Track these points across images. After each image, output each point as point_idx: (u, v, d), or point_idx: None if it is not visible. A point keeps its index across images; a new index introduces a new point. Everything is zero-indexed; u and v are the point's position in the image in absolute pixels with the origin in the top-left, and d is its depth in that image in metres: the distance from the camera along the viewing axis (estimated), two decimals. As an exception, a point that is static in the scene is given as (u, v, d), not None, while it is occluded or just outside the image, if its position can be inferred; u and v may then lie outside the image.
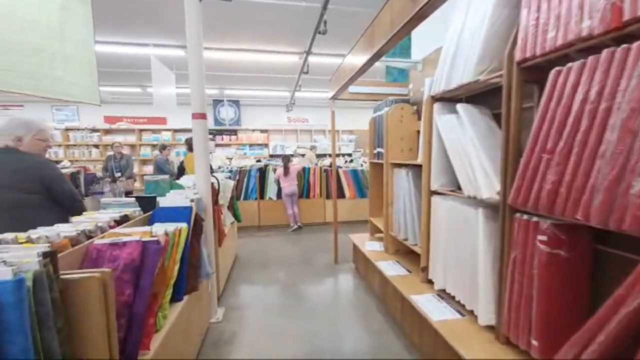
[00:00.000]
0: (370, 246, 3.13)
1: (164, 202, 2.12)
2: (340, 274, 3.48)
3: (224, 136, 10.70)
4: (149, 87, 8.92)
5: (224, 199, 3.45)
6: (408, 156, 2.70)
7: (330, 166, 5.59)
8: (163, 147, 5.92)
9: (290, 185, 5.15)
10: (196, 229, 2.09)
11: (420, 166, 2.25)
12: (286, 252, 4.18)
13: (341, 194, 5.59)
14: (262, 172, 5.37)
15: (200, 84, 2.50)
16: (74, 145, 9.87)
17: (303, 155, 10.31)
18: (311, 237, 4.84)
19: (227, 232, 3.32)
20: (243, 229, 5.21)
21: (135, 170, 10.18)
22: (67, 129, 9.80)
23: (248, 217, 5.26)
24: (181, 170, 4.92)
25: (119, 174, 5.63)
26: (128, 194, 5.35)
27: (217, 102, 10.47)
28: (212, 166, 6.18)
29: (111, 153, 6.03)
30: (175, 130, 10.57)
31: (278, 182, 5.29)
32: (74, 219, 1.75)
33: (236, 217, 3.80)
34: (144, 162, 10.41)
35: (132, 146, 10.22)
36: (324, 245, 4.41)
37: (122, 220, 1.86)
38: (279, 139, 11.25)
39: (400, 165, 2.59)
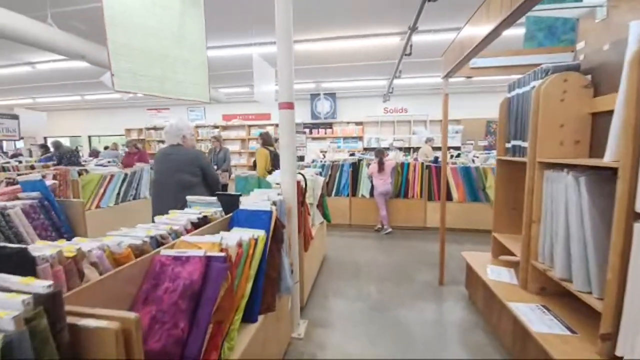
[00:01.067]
0: (495, 273, 2.29)
1: (244, 203, 1.87)
2: (448, 301, 2.73)
3: (320, 130, 10.70)
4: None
5: (313, 197, 3.13)
6: (573, 152, 1.77)
7: (437, 162, 4.72)
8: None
9: (384, 183, 4.54)
10: (276, 237, 1.76)
11: (606, 170, 1.37)
12: (379, 261, 3.63)
13: (448, 196, 4.65)
14: (355, 167, 4.90)
15: (288, 70, 2.16)
16: (201, 139, 11.47)
17: (400, 149, 9.44)
18: (408, 245, 4.15)
19: (315, 234, 3.00)
20: (333, 226, 4.89)
21: (244, 162, 11.16)
22: (197, 126, 11.43)
23: (339, 214, 4.90)
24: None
25: (215, 167, 5.84)
26: (224, 187, 5.64)
27: (314, 96, 10.50)
28: (304, 159, 6.09)
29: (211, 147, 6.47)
30: (277, 125, 11.14)
31: (371, 179, 4.75)
32: (156, 218, 1.63)
33: (326, 216, 3.46)
34: (252, 154, 11.31)
35: (242, 140, 11.28)
36: (424, 258, 3.68)
37: (201, 223, 1.66)
38: (374, 131, 10.60)
39: (557, 166, 1.71)
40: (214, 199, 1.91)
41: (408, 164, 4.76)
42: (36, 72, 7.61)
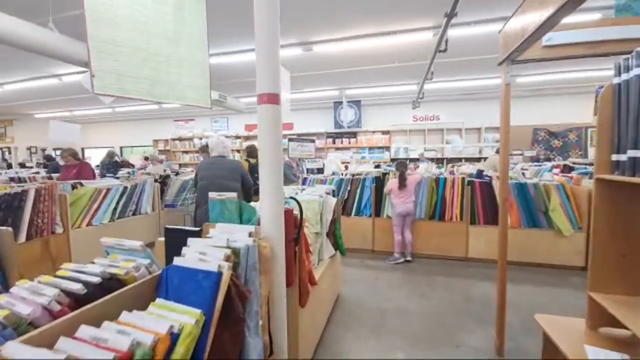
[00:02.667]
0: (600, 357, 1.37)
1: (193, 248, 1.16)
2: (515, 388, 1.80)
3: (344, 139, 9.95)
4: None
5: (322, 224, 2.36)
6: None
7: (482, 176, 3.76)
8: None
9: (405, 202, 3.66)
10: (230, 316, 1.02)
11: None
12: (409, 308, 2.74)
13: (496, 218, 3.66)
14: (380, 182, 4.06)
15: (270, 43, 1.43)
16: (222, 150, 11.17)
17: (432, 160, 8.39)
18: (447, 284, 3.20)
19: (323, 273, 2.21)
20: (352, 252, 4.06)
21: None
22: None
23: (359, 238, 4.06)
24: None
25: None
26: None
27: (337, 105, 9.81)
28: (322, 172, 5.32)
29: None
30: (300, 135, 10.57)
31: (384, 197, 3.89)
32: (13, 289, 0.95)
33: (339, 248, 2.66)
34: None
35: (263, 150, 10.80)
36: (470, 306, 2.73)
37: (90, 297, 0.95)
38: (402, 140, 9.65)
39: None
40: (136, 245, 1.20)
41: (444, 179, 3.83)
42: (63, 85, 7.66)
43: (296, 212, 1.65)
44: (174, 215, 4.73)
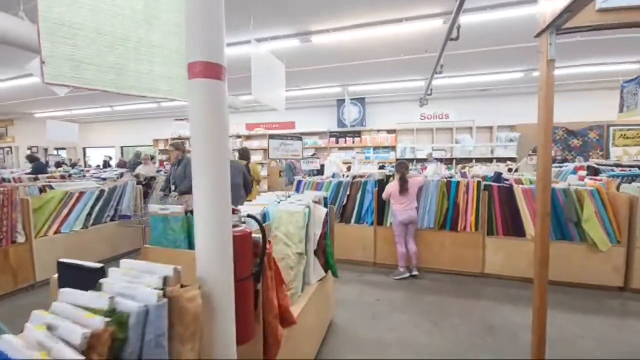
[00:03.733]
0: None
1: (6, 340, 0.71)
2: None
3: (347, 138, 9.46)
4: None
5: (308, 239, 1.90)
6: None
7: (500, 179, 3.25)
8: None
9: (406, 208, 3.17)
10: None
11: None
12: (417, 339, 2.25)
13: (518, 230, 3.14)
14: (383, 186, 3.57)
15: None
16: (222, 149, 10.79)
17: (441, 160, 7.84)
18: (462, 307, 2.70)
19: (305, 307, 1.75)
20: (352, 265, 3.58)
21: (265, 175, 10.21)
22: (218, 136, 10.78)
23: (359, 249, 3.58)
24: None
25: (172, 187, 3.67)
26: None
27: (340, 102, 9.31)
28: (322, 173, 4.82)
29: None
30: (302, 134, 10.11)
31: (388, 202, 3.42)
32: None
33: (330, 269, 2.18)
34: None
35: (265, 150, 10.38)
36: (494, 340, 2.23)
37: None
38: (409, 140, 9.11)
39: None
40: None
41: (457, 183, 3.32)
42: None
43: (257, 235, 1.18)
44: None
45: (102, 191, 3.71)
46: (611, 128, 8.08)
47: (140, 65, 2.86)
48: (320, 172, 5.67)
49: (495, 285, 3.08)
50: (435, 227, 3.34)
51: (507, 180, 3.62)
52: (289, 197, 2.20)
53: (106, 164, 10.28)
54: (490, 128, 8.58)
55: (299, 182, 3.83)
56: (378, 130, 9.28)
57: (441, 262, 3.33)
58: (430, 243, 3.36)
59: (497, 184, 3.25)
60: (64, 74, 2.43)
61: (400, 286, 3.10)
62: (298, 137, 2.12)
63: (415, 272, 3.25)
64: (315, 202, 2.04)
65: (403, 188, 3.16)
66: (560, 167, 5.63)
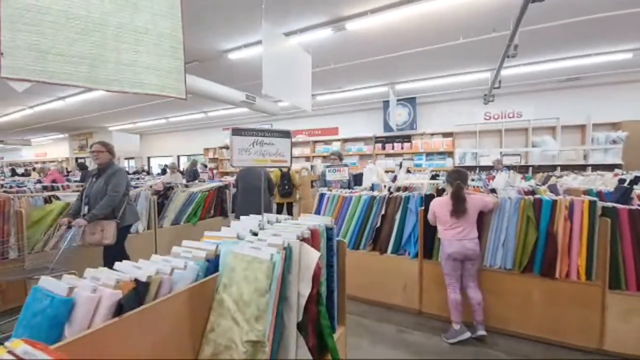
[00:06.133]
0: None
1: None
2: None
3: (395, 144, 8.35)
4: (320, 94, 7.99)
5: (293, 307, 1.07)
6: None
7: (625, 199, 2.01)
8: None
9: (460, 237, 2.10)
10: None
11: None
12: None
13: (669, 284, 1.85)
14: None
15: None
16: (265, 158, 10.54)
17: (513, 168, 6.26)
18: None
19: None
20: (388, 311, 2.61)
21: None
22: (262, 144, 10.57)
23: (397, 289, 2.58)
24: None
25: (86, 208, 2.69)
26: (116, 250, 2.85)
27: (386, 104, 8.28)
28: (350, 186, 3.88)
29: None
30: (345, 140, 9.31)
31: (414, 227, 2.38)
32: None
33: (330, 352, 1.29)
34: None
35: (307, 157, 9.82)
36: None
37: None
38: (469, 144, 7.65)
39: None
40: None
41: (552, 203, 2.14)
42: (123, 96, 7.76)
43: None
44: (180, 230, 3.89)
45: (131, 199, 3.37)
46: None
47: (122, 55, 2.28)
48: (359, 182, 4.77)
49: (629, 375, 1.83)
50: (515, 268, 2.20)
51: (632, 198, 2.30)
52: (270, 226, 1.40)
53: (164, 172, 10.71)
54: (582, 127, 6.69)
55: (321, 196, 3.00)
56: (432, 134, 7.99)
57: (526, 323, 2.17)
58: (506, 292, 2.22)
59: (626, 207, 1.99)
60: (26, 67, 1.87)
61: (459, 354, 2.04)
62: (285, 131, 1.43)
63: (481, 332, 2.15)
64: (304, 238, 1.20)
65: (458, 208, 2.12)
66: None
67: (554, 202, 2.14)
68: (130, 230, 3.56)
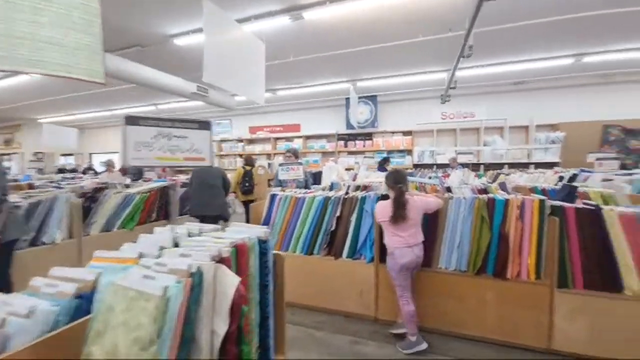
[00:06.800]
0: None
1: None
2: None
3: (357, 142, 8.31)
4: (280, 89, 7.65)
5: (202, 347, 0.81)
6: None
7: (571, 197, 2.02)
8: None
9: (408, 244, 1.97)
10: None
11: None
12: None
13: (610, 280, 1.89)
14: (390, 204, 2.40)
15: None
16: (225, 155, 9.99)
17: (467, 166, 6.50)
18: None
19: None
20: (344, 319, 2.44)
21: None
22: (222, 140, 9.99)
23: (353, 295, 2.42)
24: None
25: None
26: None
27: (349, 101, 8.20)
28: (307, 186, 3.65)
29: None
30: (308, 137, 9.08)
31: (369, 229, 2.27)
32: None
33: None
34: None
35: (268, 155, 9.44)
36: None
37: None
38: (427, 142, 7.84)
39: None
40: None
41: (505, 203, 2.10)
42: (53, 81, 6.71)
43: None
44: (113, 238, 3.37)
45: (15, 207, 2.78)
46: (684, 126, 6.43)
47: (16, 26, 1.84)
48: (317, 181, 4.58)
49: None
50: (469, 270, 2.14)
51: (590, 205, 2.36)
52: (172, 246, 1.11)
53: (87, 170, 9.22)
54: (526, 128, 7.16)
55: (272, 197, 2.74)
56: (392, 132, 8.08)
57: (481, 326, 2.11)
58: (461, 295, 2.15)
59: (573, 206, 2.00)
60: None
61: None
62: (199, 122, 1.21)
63: (421, 342, 2.04)
64: (223, 258, 0.93)
65: (398, 214, 1.95)
66: (631, 174, 4.21)
67: (507, 202, 2.10)
68: (45, 240, 3.01)
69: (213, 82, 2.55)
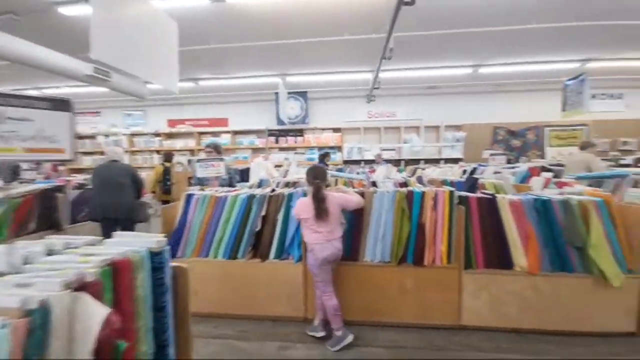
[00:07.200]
0: None
1: None
2: None
3: (288, 138, 8.19)
4: (203, 79, 6.99)
5: None
6: None
7: (473, 188, 2.25)
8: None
9: (327, 238, 1.98)
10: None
11: None
12: None
13: (503, 258, 2.17)
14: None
15: None
16: (138, 150, 8.73)
17: (390, 162, 6.99)
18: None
19: None
20: (272, 323, 2.30)
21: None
22: (133, 134, 8.70)
23: (282, 297, 2.30)
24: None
25: None
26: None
27: (278, 96, 8.02)
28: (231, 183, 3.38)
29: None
30: (236, 132, 8.56)
31: (297, 228, 2.28)
32: None
33: None
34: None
35: (192, 151, 8.60)
36: None
37: None
38: (355, 139, 8.17)
39: None
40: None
41: (422, 195, 2.24)
42: None
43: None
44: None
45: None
46: (546, 129, 8.04)
47: None
48: (245, 178, 4.30)
49: (477, 343, 2.06)
50: (392, 260, 2.22)
51: (489, 193, 2.68)
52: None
53: None
54: (437, 128, 8.05)
55: (188, 198, 2.41)
56: (322, 129, 8.18)
57: (403, 312, 2.22)
58: (384, 285, 2.23)
59: (475, 195, 2.25)
60: None
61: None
62: (51, 100, 0.97)
63: (346, 336, 2.05)
64: (84, 285, 0.69)
65: (321, 210, 1.94)
66: (514, 167, 5.10)
67: (423, 194, 2.23)
68: None
69: (108, 62, 2.09)
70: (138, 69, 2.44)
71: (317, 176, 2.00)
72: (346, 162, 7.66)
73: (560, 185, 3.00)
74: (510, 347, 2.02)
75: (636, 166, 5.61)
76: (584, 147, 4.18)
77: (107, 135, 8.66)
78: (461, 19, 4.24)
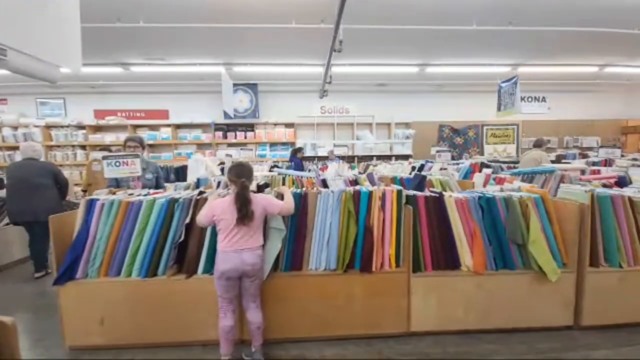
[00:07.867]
0: None
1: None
2: None
3: (238, 133, 7.66)
4: (135, 64, 6.12)
5: None
6: None
7: (422, 186, 2.14)
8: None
9: (236, 248, 1.67)
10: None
11: None
12: None
13: (451, 259, 2.09)
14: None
15: None
16: (57, 145, 7.45)
17: (343, 158, 6.90)
18: None
19: None
20: (202, 348, 1.95)
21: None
22: (50, 126, 7.38)
23: (210, 318, 1.95)
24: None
25: None
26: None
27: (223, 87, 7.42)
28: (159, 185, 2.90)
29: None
30: (178, 126, 7.76)
31: (201, 235, 1.98)
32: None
33: None
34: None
35: (122, 147, 7.58)
36: None
37: None
38: (309, 135, 7.95)
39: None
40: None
41: (369, 195, 2.06)
42: None
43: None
44: None
45: None
46: (484, 127, 8.66)
47: None
48: (183, 178, 3.79)
49: (426, 349, 1.95)
50: (338, 268, 2.01)
51: (435, 191, 2.60)
52: None
53: None
54: (388, 125, 8.19)
55: (90, 204, 1.92)
56: (275, 124, 7.80)
57: (351, 323, 2.02)
58: (331, 295, 2.01)
59: (422, 194, 2.13)
60: None
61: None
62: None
63: (258, 358, 1.80)
64: None
65: (245, 213, 1.64)
66: (458, 163, 5.31)
67: (370, 193, 2.05)
68: None
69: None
70: (27, 45, 1.86)
71: (241, 174, 1.70)
72: (302, 159, 7.40)
73: (500, 181, 3.09)
74: (457, 350, 1.94)
75: (559, 162, 6.23)
76: (537, 145, 4.48)
77: (15, 128, 7.26)
78: (409, 14, 4.21)
